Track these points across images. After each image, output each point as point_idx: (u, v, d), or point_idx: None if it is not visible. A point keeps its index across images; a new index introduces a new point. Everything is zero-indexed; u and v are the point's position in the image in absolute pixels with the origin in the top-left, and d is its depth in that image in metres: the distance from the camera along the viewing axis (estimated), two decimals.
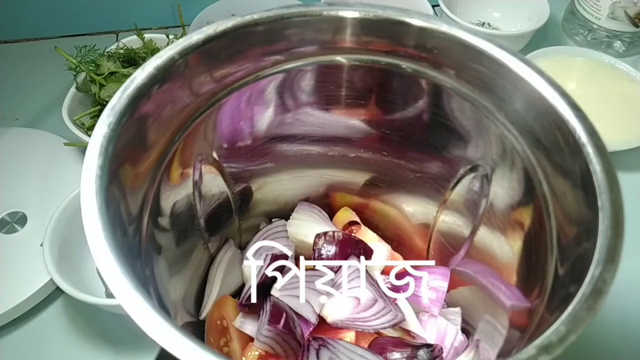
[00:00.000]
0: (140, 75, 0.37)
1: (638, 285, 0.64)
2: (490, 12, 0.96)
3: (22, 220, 0.66)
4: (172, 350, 0.27)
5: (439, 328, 0.53)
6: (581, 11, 0.90)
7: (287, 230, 0.57)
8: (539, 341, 0.29)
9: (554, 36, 0.96)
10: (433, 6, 0.90)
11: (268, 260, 0.51)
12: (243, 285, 0.56)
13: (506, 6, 0.94)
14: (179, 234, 0.47)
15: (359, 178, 0.59)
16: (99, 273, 0.59)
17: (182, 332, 0.28)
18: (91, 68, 0.72)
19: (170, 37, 0.77)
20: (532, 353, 0.28)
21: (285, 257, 0.53)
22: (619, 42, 0.90)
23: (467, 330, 0.54)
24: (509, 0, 0.94)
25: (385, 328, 0.51)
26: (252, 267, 0.54)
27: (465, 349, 0.51)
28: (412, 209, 0.58)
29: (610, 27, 0.88)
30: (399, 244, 0.62)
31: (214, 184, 0.51)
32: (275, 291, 0.51)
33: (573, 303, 0.30)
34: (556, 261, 0.38)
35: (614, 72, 0.83)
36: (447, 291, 0.54)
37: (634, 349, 0.60)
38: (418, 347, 0.49)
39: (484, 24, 0.95)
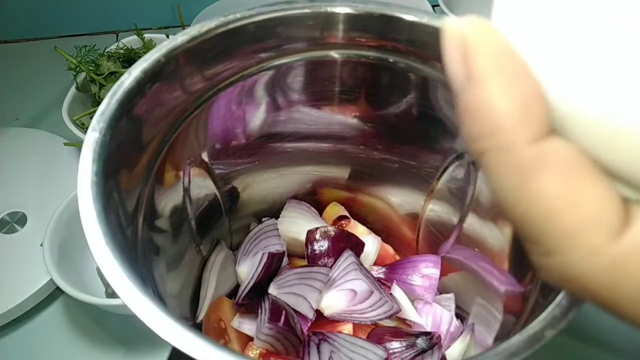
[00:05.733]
0: (128, 79, 0.37)
1: None
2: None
3: (22, 220, 0.66)
4: (191, 352, 0.27)
5: (435, 315, 0.53)
6: None
7: (278, 229, 0.57)
8: (543, 316, 0.30)
9: None
10: (433, 6, 0.90)
11: (264, 259, 0.51)
12: (238, 285, 0.56)
13: None
14: (172, 237, 0.47)
15: (345, 173, 0.59)
16: (99, 273, 0.60)
17: (199, 334, 0.28)
18: (91, 68, 0.72)
19: (170, 37, 0.77)
20: (538, 328, 0.29)
21: (279, 255, 0.53)
22: None
23: (461, 315, 0.55)
24: None
25: (382, 319, 0.51)
26: (247, 266, 0.54)
27: (461, 334, 0.52)
28: (400, 199, 0.59)
29: None
30: (388, 235, 0.62)
31: (204, 185, 0.51)
32: (273, 289, 0.52)
33: None
34: None
35: None
36: (439, 278, 0.55)
37: (634, 349, 0.60)
38: (416, 335, 0.50)
39: None
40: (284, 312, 0.48)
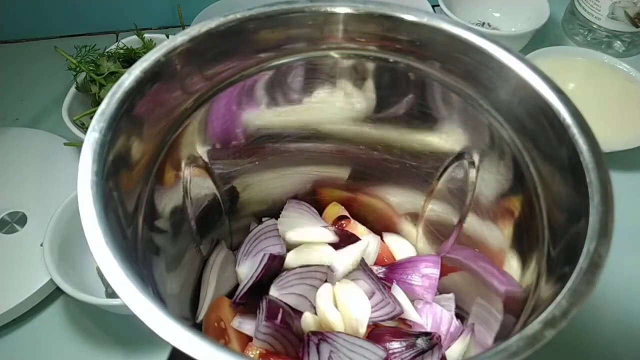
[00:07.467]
0: (128, 79, 0.37)
1: (638, 285, 0.64)
2: (490, 12, 0.95)
3: (22, 220, 0.66)
4: (191, 352, 0.27)
5: (435, 315, 0.53)
6: (581, 11, 0.90)
7: (278, 229, 0.57)
8: (543, 316, 0.30)
9: (554, 36, 0.95)
10: (433, 6, 0.90)
11: (264, 260, 0.51)
12: (238, 286, 0.56)
13: (506, 6, 0.94)
14: (172, 237, 0.47)
15: (345, 173, 0.59)
16: (99, 273, 0.60)
17: (199, 334, 0.28)
18: (91, 68, 0.72)
19: (170, 37, 0.77)
20: (537, 328, 0.29)
21: (280, 255, 0.53)
22: (619, 42, 0.90)
23: (461, 315, 0.55)
24: (509, 0, 0.93)
25: (384, 321, 0.51)
26: (247, 267, 0.54)
27: (461, 334, 0.52)
28: (400, 200, 0.59)
29: (610, 27, 0.88)
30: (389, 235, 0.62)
31: (204, 185, 0.51)
32: (274, 291, 0.52)
33: (572, 278, 0.31)
34: (548, 244, 0.39)
35: (614, 72, 0.82)
36: (439, 278, 0.55)
37: (634, 349, 0.60)
38: (416, 335, 0.50)
39: (484, 24, 0.95)
40: (280, 311, 0.48)
